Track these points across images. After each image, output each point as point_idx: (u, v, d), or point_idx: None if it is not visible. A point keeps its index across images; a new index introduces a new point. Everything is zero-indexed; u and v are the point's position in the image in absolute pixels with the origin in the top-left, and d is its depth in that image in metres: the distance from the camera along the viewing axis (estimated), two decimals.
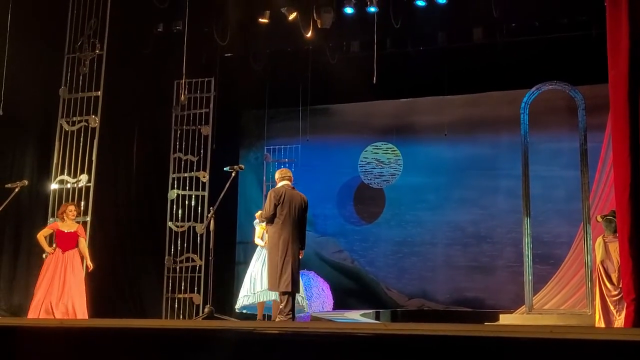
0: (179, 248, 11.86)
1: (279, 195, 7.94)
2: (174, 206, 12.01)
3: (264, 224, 8.93)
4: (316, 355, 3.78)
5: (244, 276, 9.38)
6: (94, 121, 10.49)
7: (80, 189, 10.35)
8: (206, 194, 11.90)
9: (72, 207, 9.44)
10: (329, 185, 13.23)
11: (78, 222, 9.59)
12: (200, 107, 12.17)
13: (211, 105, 12.15)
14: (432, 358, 3.56)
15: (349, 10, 11.05)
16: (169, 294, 11.76)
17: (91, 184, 10.34)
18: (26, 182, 9.48)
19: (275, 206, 7.89)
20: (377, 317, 11.83)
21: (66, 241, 9.21)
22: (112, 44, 10.68)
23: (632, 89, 6.04)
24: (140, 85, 11.74)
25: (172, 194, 12.00)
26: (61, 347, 4.34)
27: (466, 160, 12.58)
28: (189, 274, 11.74)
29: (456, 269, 12.42)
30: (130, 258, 11.79)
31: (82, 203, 10.26)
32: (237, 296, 9.42)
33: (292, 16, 11.13)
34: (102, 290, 10.63)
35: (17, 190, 9.15)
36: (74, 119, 10.60)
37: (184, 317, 11.53)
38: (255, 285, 8.93)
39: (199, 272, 11.68)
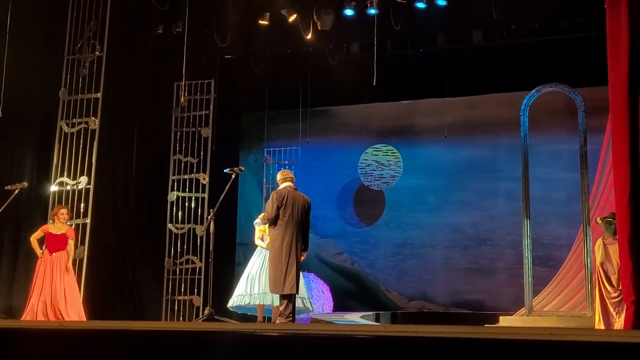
0: (178, 250, 11.85)
1: (281, 197, 7.90)
2: (174, 208, 12.01)
3: (262, 225, 8.92)
4: (316, 358, 3.77)
5: None
6: (94, 123, 10.49)
7: (80, 191, 10.35)
8: (206, 195, 11.89)
9: (64, 210, 9.50)
10: (329, 187, 13.22)
11: (70, 225, 9.62)
12: (200, 109, 12.17)
13: (211, 107, 12.15)
14: None
15: (349, 12, 11.06)
16: (169, 296, 11.75)
17: (91, 186, 10.33)
18: (26, 184, 9.50)
19: (278, 208, 7.85)
20: (377, 319, 11.83)
21: (55, 243, 9.28)
22: (112, 45, 10.69)
23: (632, 90, 6.05)
24: (140, 87, 11.73)
25: (172, 195, 12.00)
26: (61, 349, 4.33)
27: (466, 163, 12.58)
28: (188, 276, 11.73)
29: (456, 271, 12.42)
30: (130, 260, 11.78)
31: (82, 205, 10.27)
32: None
33: (292, 18, 11.13)
34: (102, 292, 10.64)
35: (16, 192, 9.17)
36: (74, 120, 10.60)
37: (183, 319, 11.52)
38: (253, 287, 8.78)
39: (199, 274, 11.67)
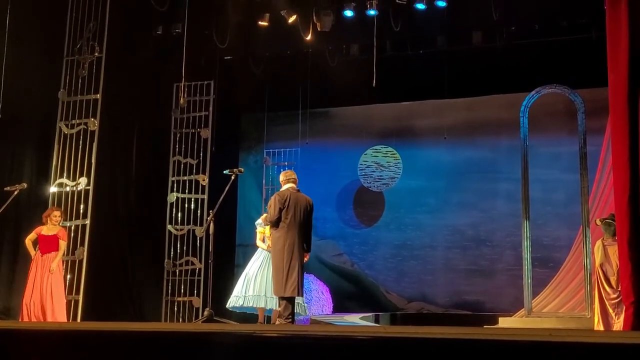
0: (178, 251, 11.85)
1: (283, 199, 7.88)
2: (174, 209, 12.00)
3: (263, 227, 8.91)
4: (315, 359, 3.77)
5: None
6: (93, 124, 10.48)
7: (79, 192, 10.34)
8: (206, 197, 11.89)
9: (57, 212, 9.53)
10: (328, 188, 13.21)
11: (64, 226, 9.64)
12: (199, 110, 12.16)
13: (211, 108, 12.14)
14: None
15: (348, 13, 11.06)
16: (169, 297, 11.75)
17: (90, 187, 10.33)
18: (25, 185, 9.51)
19: (280, 210, 7.83)
20: (377, 320, 11.82)
21: (46, 244, 9.31)
22: (112, 46, 10.67)
23: (632, 92, 6.05)
24: (139, 88, 11.72)
25: (172, 197, 12.00)
26: (60, 350, 4.33)
27: (466, 164, 12.58)
28: (188, 277, 11.72)
29: (455, 272, 12.42)
30: (130, 261, 11.77)
31: (82, 206, 10.27)
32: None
33: (291, 19, 11.13)
34: (102, 293, 10.64)
35: (16, 193, 9.18)
36: (73, 121, 10.59)
37: (183, 320, 11.52)
38: (248, 289, 8.72)
39: (199, 275, 11.67)
